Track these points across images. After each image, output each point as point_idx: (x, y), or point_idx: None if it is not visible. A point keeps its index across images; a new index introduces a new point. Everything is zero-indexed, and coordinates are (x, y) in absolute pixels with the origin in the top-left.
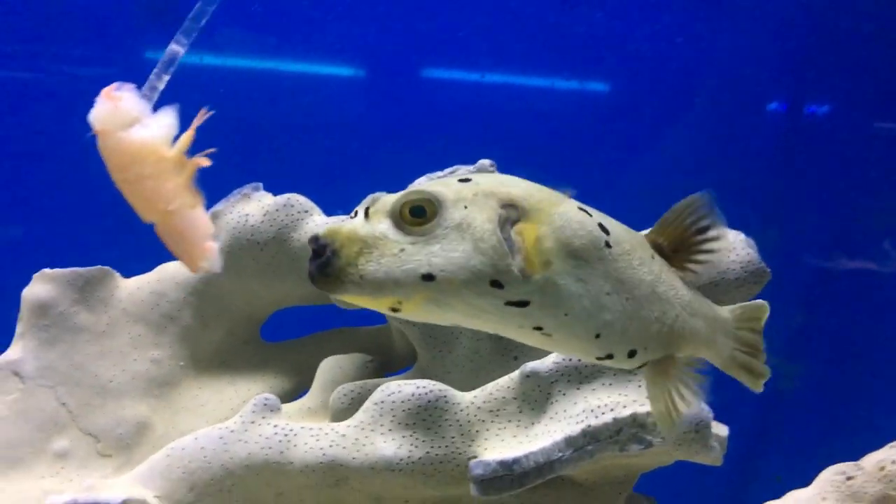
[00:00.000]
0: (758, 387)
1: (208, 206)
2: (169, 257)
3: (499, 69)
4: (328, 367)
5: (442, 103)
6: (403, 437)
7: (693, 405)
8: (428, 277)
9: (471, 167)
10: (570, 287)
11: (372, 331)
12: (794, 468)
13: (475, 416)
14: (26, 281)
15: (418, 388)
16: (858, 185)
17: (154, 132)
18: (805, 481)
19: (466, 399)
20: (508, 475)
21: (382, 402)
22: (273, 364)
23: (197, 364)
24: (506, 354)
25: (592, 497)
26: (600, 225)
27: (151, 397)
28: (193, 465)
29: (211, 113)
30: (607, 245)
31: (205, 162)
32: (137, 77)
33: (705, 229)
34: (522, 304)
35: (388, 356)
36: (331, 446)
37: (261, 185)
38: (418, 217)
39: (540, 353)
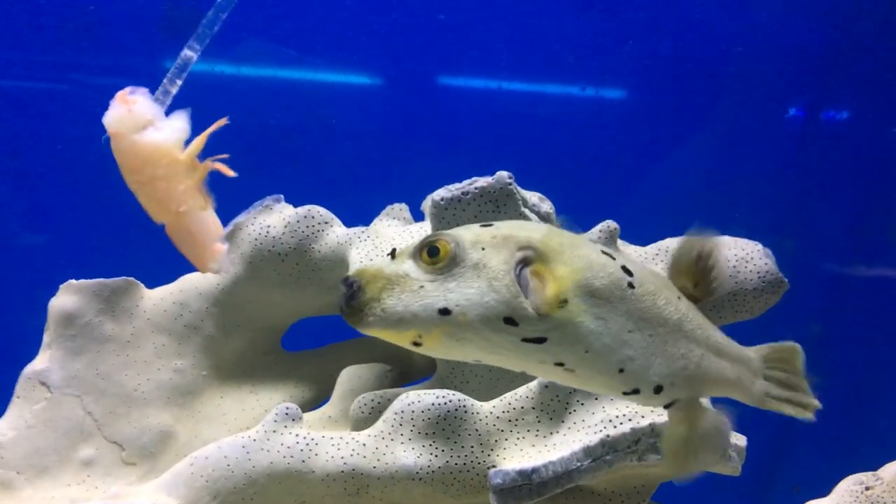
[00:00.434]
0: (806, 416)
1: (229, 216)
2: (185, 263)
3: (515, 77)
4: (348, 376)
5: (459, 111)
6: (423, 446)
7: (704, 467)
8: (444, 312)
9: (489, 178)
10: (588, 325)
11: None
12: (813, 478)
13: (494, 425)
14: (48, 289)
15: (438, 397)
16: (876, 191)
17: (166, 135)
18: (824, 491)
19: (485, 409)
20: (527, 485)
21: (402, 411)
22: (294, 373)
23: (219, 373)
24: None
25: None
26: (623, 267)
27: (175, 406)
28: (216, 474)
29: (227, 122)
30: (630, 286)
31: (225, 170)
32: (157, 87)
33: (708, 256)
34: (539, 340)
35: (407, 366)
36: (351, 455)
37: (282, 196)
38: (434, 257)
39: None
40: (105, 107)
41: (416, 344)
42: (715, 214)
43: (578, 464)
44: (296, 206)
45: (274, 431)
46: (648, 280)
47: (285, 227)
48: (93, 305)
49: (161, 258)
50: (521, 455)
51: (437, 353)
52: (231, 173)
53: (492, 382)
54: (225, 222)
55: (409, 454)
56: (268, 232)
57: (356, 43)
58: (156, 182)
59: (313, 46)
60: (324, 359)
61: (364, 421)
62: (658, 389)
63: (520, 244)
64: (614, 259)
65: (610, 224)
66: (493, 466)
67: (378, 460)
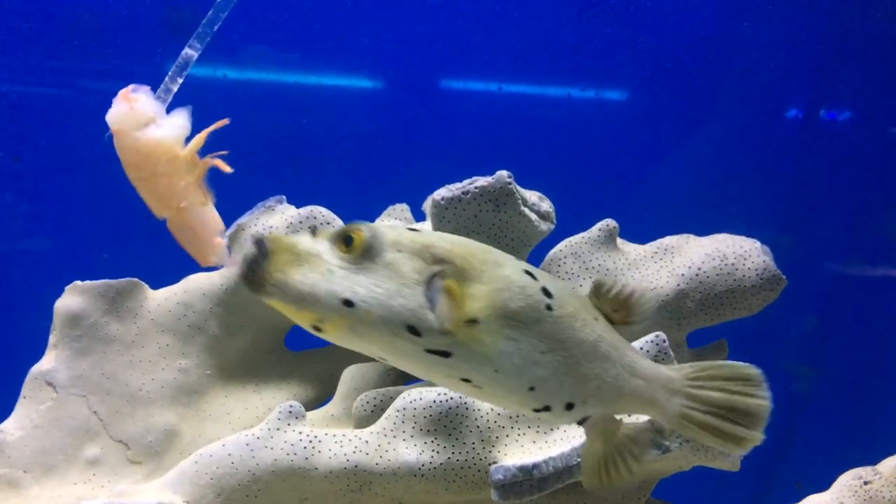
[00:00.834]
0: (733, 450)
1: (232, 217)
2: (189, 265)
3: (516, 80)
4: (351, 375)
5: (460, 114)
6: (425, 443)
7: (624, 479)
8: (348, 303)
9: (489, 178)
10: (497, 345)
11: None
12: (814, 473)
13: (495, 422)
14: (53, 292)
15: (439, 395)
16: (875, 191)
17: (168, 132)
18: (824, 486)
19: (487, 406)
20: (528, 480)
21: (404, 408)
22: (297, 373)
23: (223, 373)
24: None
25: (611, 503)
26: (544, 289)
27: (179, 405)
28: (221, 471)
29: (227, 122)
30: (549, 308)
31: (223, 166)
32: (158, 87)
33: (633, 303)
34: (444, 354)
35: None
36: (354, 452)
37: (284, 197)
38: (349, 246)
39: None
40: (106, 110)
41: (317, 329)
42: (714, 213)
43: (579, 459)
44: (298, 207)
45: (277, 429)
46: (568, 302)
47: (287, 227)
48: (98, 306)
49: (165, 259)
50: (521, 451)
51: (340, 343)
52: (228, 169)
53: None
54: (228, 223)
55: (411, 451)
56: (270, 233)
57: (358, 46)
58: (157, 178)
59: (315, 50)
60: (327, 358)
61: (367, 419)
62: (569, 407)
63: (437, 256)
64: (536, 280)
65: (609, 223)
66: (495, 462)
67: (381, 457)
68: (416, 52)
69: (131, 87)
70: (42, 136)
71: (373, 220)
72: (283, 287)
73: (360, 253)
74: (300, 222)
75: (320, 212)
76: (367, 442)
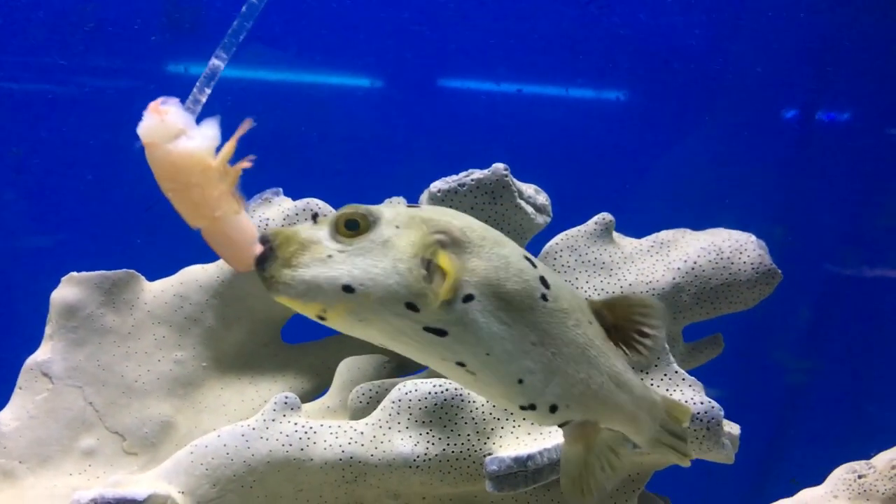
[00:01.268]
0: (685, 462)
1: None
2: (188, 255)
3: (513, 78)
4: (347, 367)
5: (459, 112)
6: (420, 434)
7: (602, 487)
8: (348, 289)
9: (486, 171)
10: (491, 326)
11: None
12: (808, 468)
13: (490, 414)
14: (50, 285)
15: (434, 386)
16: (872, 190)
17: (199, 143)
18: (818, 480)
19: (481, 397)
20: (523, 471)
21: (400, 400)
22: (293, 365)
23: (219, 365)
24: None
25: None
26: (542, 278)
27: (175, 397)
28: (216, 462)
29: (253, 124)
30: (543, 298)
31: (245, 164)
32: (162, 88)
33: (645, 335)
34: (440, 332)
35: (405, 357)
36: (349, 444)
37: (280, 190)
38: (351, 229)
39: None
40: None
41: (322, 318)
42: (710, 210)
43: None
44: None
45: (273, 420)
46: (564, 297)
47: (284, 219)
48: (94, 297)
49: (162, 252)
50: (516, 443)
51: (344, 331)
52: (247, 164)
53: None
54: None
55: (406, 442)
56: (267, 225)
57: (356, 46)
58: (191, 189)
59: (313, 49)
60: (323, 350)
61: (362, 410)
62: (553, 408)
63: (436, 227)
64: (535, 267)
65: (605, 216)
66: (490, 454)
67: (376, 448)
68: (414, 51)
69: (161, 99)
70: (43, 133)
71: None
72: (289, 283)
73: (358, 234)
74: (296, 214)
75: (317, 203)
76: (362, 433)
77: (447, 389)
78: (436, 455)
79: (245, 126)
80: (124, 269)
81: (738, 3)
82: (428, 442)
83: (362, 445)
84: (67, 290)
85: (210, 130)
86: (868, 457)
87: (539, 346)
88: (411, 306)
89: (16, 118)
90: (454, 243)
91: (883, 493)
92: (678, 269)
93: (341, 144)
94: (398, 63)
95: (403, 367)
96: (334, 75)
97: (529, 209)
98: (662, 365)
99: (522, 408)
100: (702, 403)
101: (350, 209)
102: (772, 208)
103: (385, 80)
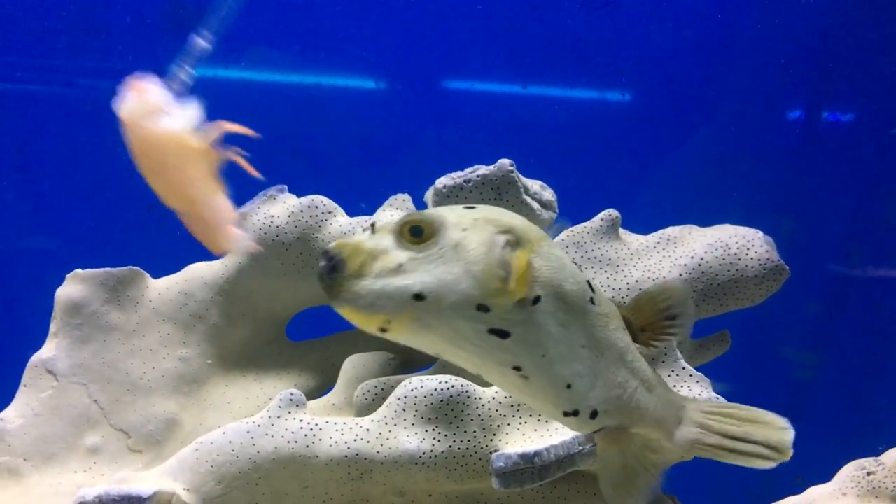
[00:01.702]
0: (759, 465)
1: (236, 207)
2: (193, 252)
3: (519, 78)
4: (352, 364)
5: (463, 112)
6: (426, 431)
7: (648, 485)
8: (419, 297)
9: (491, 167)
10: (550, 328)
11: None
12: (816, 464)
13: (497, 410)
14: (55, 284)
15: (441, 383)
16: (878, 188)
17: (179, 122)
18: (826, 477)
19: (488, 394)
20: (529, 468)
21: (405, 396)
22: (298, 362)
23: (224, 362)
24: None
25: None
26: (588, 282)
27: (180, 395)
28: (221, 459)
29: (256, 135)
30: (592, 301)
31: (251, 170)
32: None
33: (674, 317)
34: (504, 334)
35: (410, 354)
36: (355, 440)
37: (285, 187)
38: (417, 236)
39: None
40: (110, 107)
41: (383, 330)
42: (715, 210)
43: (580, 447)
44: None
45: (278, 417)
46: (605, 302)
47: (289, 216)
48: (99, 295)
49: (166, 252)
50: (523, 439)
51: (403, 340)
52: (254, 172)
53: None
54: None
55: (412, 439)
56: (272, 222)
57: (361, 46)
58: (168, 169)
59: (319, 50)
60: (328, 348)
61: (367, 407)
62: (594, 414)
63: (501, 227)
64: (581, 271)
65: (611, 212)
66: (496, 451)
67: (381, 445)
68: (418, 53)
69: (141, 76)
70: (44, 133)
71: (373, 213)
72: (358, 293)
73: (426, 240)
74: (301, 211)
75: (321, 201)
76: (367, 430)
77: (453, 386)
78: (442, 452)
79: (242, 129)
80: (129, 267)
81: (742, 3)
82: (434, 439)
83: (368, 442)
84: (72, 288)
85: (191, 110)
86: (877, 453)
87: (586, 349)
88: (482, 307)
89: (18, 119)
90: (519, 242)
91: (892, 491)
92: (685, 265)
93: (346, 143)
94: (403, 64)
95: (409, 364)
96: (339, 76)
97: (535, 205)
98: (670, 361)
99: (566, 414)
100: (708, 400)
101: (414, 216)
102: (778, 204)
103: (390, 81)
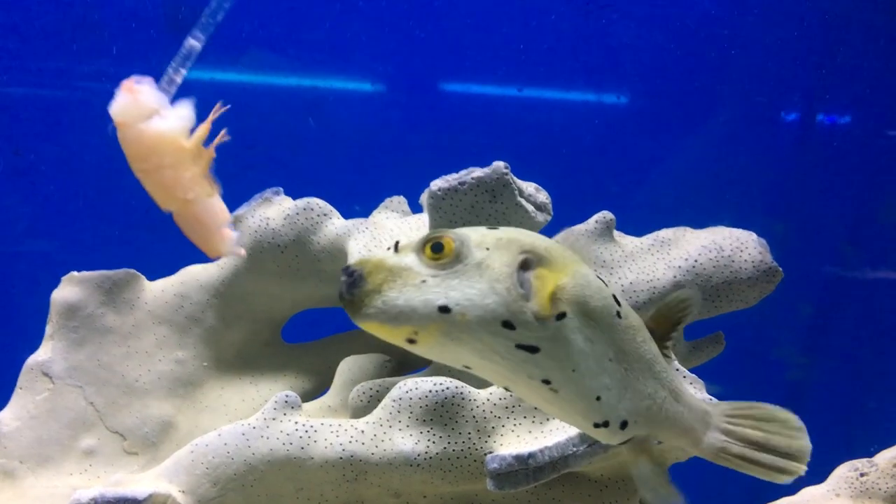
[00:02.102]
0: (780, 480)
1: (231, 210)
2: (189, 255)
3: (515, 80)
4: (347, 366)
5: (459, 115)
6: (421, 433)
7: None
8: (444, 309)
9: (486, 169)
10: (578, 343)
11: None
12: (810, 465)
13: (491, 412)
14: (51, 286)
15: (435, 384)
16: (874, 189)
17: (172, 123)
18: (820, 478)
19: (482, 396)
20: (524, 469)
21: (400, 398)
22: (294, 364)
23: (220, 364)
24: None
25: (608, 493)
26: (614, 296)
27: (176, 397)
28: (216, 461)
29: (227, 108)
30: (618, 315)
31: (222, 138)
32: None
33: (679, 323)
34: (533, 349)
35: (405, 356)
36: (350, 442)
37: (281, 189)
38: (438, 253)
39: None
40: (107, 110)
41: (411, 341)
42: (710, 212)
43: (574, 449)
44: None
45: (273, 419)
46: (632, 315)
47: (284, 219)
48: (95, 297)
49: (163, 254)
50: (518, 441)
51: (431, 353)
52: (224, 138)
53: None
54: None
55: (406, 441)
56: (267, 224)
57: (358, 49)
58: (162, 170)
59: (316, 53)
60: (324, 350)
61: (363, 409)
62: (624, 425)
63: (523, 248)
64: (607, 286)
65: (606, 214)
66: (491, 452)
67: (376, 447)
68: (416, 56)
69: (134, 78)
70: (42, 136)
71: (368, 215)
72: (381, 307)
73: (450, 258)
74: (297, 213)
75: (317, 203)
76: (362, 432)
77: (448, 388)
78: (437, 453)
79: (219, 109)
80: (125, 269)
81: (739, 4)
82: (429, 440)
83: (363, 444)
84: (68, 290)
85: (184, 111)
86: (870, 454)
87: (614, 363)
88: (508, 324)
89: (15, 121)
90: (541, 262)
91: (885, 492)
92: (679, 267)
93: (342, 146)
94: (399, 66)
95: (404, 366)
96: (336, 79)
97: (530, 207)
98: None
99: (596, 426)
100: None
101: (437, 234)
102: (773, 207)
103: (386, 83)
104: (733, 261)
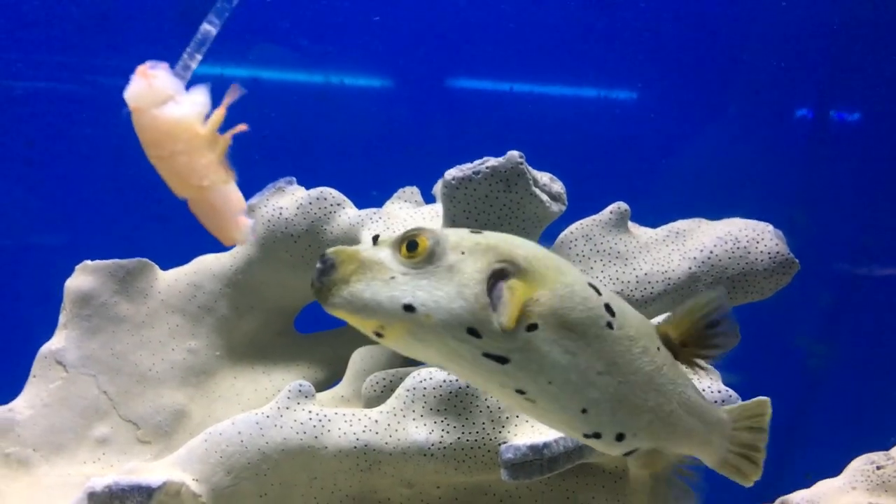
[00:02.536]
0: (748, 483)
1: (245, 199)
2: (200, 245)
3: (525, 78)
4: (360, 356)
5: (471, 108)
6: (435, 422)
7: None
8: (409, 308)
9: (500, 158)
10: (554, 356)
11: None
12: (826, 457)
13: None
14: (63, 275)
15: (449, 374)
16: (888, 186)
17: (187, 109)
18: (836, 470)
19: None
20: (538, 460)
21: (414, 388)
22: (306, 355)
23: (232, 354)
24: None
25: (622, 484)
26: (607, 305)
27: (189, 386)
28: (230, 450)
29: (243, 92)
30: (609, 326)
31: (239, 128)
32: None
33: (716, 323)
34: (501, 360)
35: None
36: (364, 432)
37: (294, 179)
38: (412, 251)
39: None
40: (119, 103)
41: (379, 335)
42: (726, 200)
43: None
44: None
45: (287, 408)
46: (630, 324)
47: (297, 208)
48: (108, 286)
49: (175, 244)
50: (532, 431)
51: (399, 349)
52: (243, 127)
53: None
54: None
55: (420, 431)
56: (280, 213)
57: (373, 43)
58: (177, 157)
59: (328, 49)
60: (336, 340)
61: (376, 399)
62: (620, 437)
63: (501, 256)
64: (600, 294)
65: (620, 205)
66: (505, 442)
67: (390, 437)
68: (424, 52)
69: (149, 63)
70: (54, 128)
71: (381, 205)
72: (347, 298)
73: (423, 257)
74: (310, 203)
75: (330, 193)
76: (376, 421)
77: None
78: (451, 443)
79: (234, 93)
80: (138, 258)
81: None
82: (443, 430)
83: (377, 434)
84: (81, 279)
85: (199, 97)
86: (887, 447)
87: (605, 376)
88: (473, 332)
89: (28, 113)
90: (519, 272)
91: None
92: (694, 258)
93: (356, 137)
94: (413, 60)
95: None
96: (349, 72)
97: (544, 197)
98: None
99: (586, 436)
100: (719, 392)
101: (413, 232)
102: (789, 199)
103: (399, 77)
104: (749, 252)
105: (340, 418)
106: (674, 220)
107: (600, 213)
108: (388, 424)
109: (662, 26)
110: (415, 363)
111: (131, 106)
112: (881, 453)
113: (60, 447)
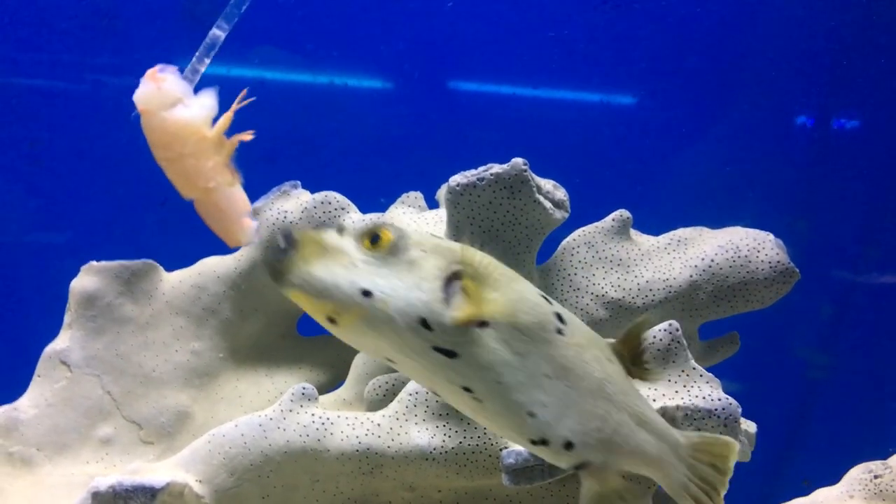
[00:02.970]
0: None
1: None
2: (204, 247)
3: (526, 81)
4: (363, 360)
5: (474, 112)
6: (437, 427)
7: None
8: (367, 293)
9: (504, 165)
10: (503, 354)
11: None
12: (824, 466)
13: None
14: (67, 276)
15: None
16: (889, 193)
17: (195, 112)
18: (834, 479)
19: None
20: (540, 465)
21: (417, 392)
22: (309, 358)
23: (236, 356)
24: None
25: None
26: (557, 314)
27: (192, 387)
28: (233, 451)
29: (252, 99)
30: (559, 332)
31: (243, 136)
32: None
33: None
34: (450, 354)
35: None
36: (366, 435)
37: (299, 182)
38: (374, 244)
39: None
40: (127, 104)
41: (332, 321)
42: (727, 209)
43: None
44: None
45: (290, 410)
46: (580, 334)
47: (302, 212)
48: (113, 287)
49: (179, 245)
50: None
51: (349, 340)
52: (248, 136)
53: None
54: None
55: (423, 434)
56: (285, 217)
57: (369, 49)
58: (185, 159)
59: (329, 52)
60: (339, 343)
61: (378, 403)
62: (568, 446)
63: (459, 259)
64: (550, 304)
65: (623, 213)
66: (507, 447)
67: (392, 440)
68: (425, 54)
69: (158, 66)
70: (57, 127)
71: (385, 210)
72: (305, 278)
73: (385, 250)
74: (315, 207)
75: (335, 197)
76: (379, 425)
77: None
78: (452, 448)
79: (243, 97)
80: (143, 260)
81: (754, 6)
82: (445, 434)
83: (379, 437)
84: (87, 279)
85: (207, 100)
86: (886, 456)
87: (554, 380)
88: (425, 324)
89: (31, 113)
90: (475, 275)
91: None
92: (695, 266)
93: (360, 142)
94: (416, 64)
95: None
96: (353, 75)
97: (547, 204)
98: (680, 361)
99: (533, 442)
100: (719, 400)
101: (378, 225)
102: (791, 206)
103: (402, 81)
104: (750, 261)
105: (343, 421)
106: (675, 227)
107: (602, 220)
108: (391, 428)
109: (665, 33)
110: None
111: (140, 108)
112: (879, 462)
113: (64, 447)
